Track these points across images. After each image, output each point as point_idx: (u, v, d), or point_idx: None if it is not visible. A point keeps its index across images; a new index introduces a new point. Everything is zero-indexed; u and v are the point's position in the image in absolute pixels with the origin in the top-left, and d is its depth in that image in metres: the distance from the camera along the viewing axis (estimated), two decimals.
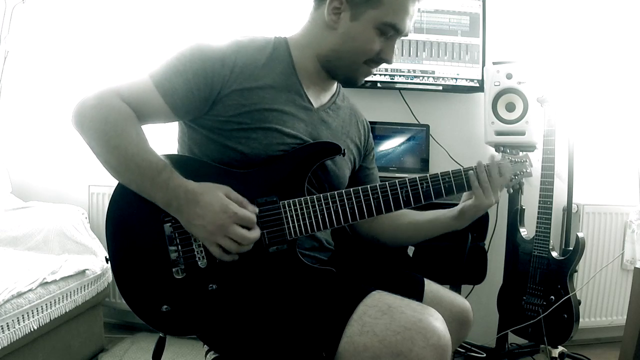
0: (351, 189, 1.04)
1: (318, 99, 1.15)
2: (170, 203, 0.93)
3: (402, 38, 1.12)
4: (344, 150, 1.09)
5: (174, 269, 0.97)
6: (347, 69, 1.10)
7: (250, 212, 0.95)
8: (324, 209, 1.02)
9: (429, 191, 1.07)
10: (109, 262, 0.99)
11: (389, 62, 1.09)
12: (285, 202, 1.01)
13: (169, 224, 0.97)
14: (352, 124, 1.25)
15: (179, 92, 0.97)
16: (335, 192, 1.04)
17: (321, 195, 1.03)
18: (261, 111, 1.02)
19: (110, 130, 0.93)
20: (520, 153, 1.18)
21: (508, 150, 1.17)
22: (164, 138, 1.23)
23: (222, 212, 0.91)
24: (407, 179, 1.07)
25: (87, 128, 0.95)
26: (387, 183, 1.06)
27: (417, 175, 1.07)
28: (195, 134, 1.06)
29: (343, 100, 1.25)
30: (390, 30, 1.04)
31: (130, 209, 0.99)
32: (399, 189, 1.06)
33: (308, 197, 1.02)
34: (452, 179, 1.09)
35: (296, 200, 1.02)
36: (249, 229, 0.94)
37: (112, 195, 1.00)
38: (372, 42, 1.05)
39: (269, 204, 1.00)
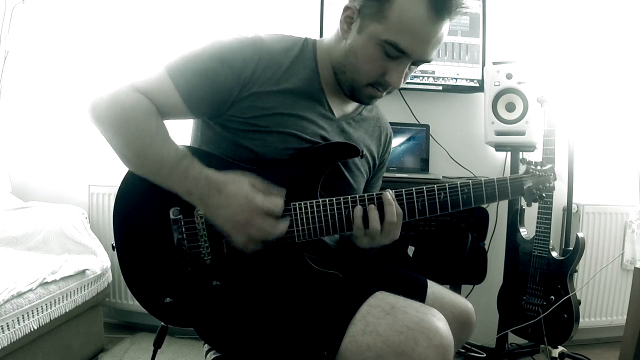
0: (365, 195, 1.01)
1: (341, 109, 1.11)
2: (191, 192, 0.91)
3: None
4: (362, 151, 1.05)
5: (179, 263, 0.97)
6: (350, 86, 1.02)
7: (276, 201, 0.92)
8: (335, 213, 1.00)
9: (446, 201, 1.02)
10: (114, 250, 0.99)
11: (393, 86, 0.99)
12: (297, 204, 0.99)
13: (177, 217, 0.97)
14: (374, 136, 1.19)
15: (197, 91, 0.95)
16: (349, 197, 1.00)
17: (333, 199, 1.00)
18: (279, 115, 0.99)
19: (126, 121, 0.92)
20: (546, 166, 1.11)
21: (533, 163, 1.10)
22: (177, 131, 1.21)
23: (247, 206, 0.89)
24: (424, 188, 1.02)
25: (104, 121, 0.93)
26: (403, 191, 1.01)
27: (435, 185, 1.02)
28: (209, 131, 1.04)
29: (371, 111, 1.19)
30: (394, 51, 0.93)
31: (138, 201, 0.99)
32: (415, 198, 1.01)
33: (320, 200, 1.00)
34: (471, 189, 1.02)
35: (307, 202, 0.99)
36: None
37: (120, 186, 1.00)
38: (372, 61, 0.96)
39: None
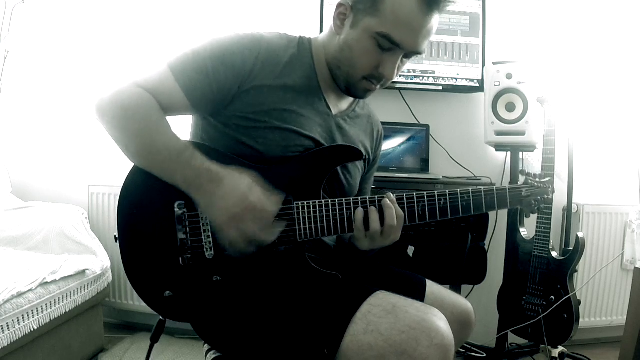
0: (367, 197, 1.02)
1: (337, 106, 1.13)
2: (191, 182, 0.92)
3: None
4: (365, 155, 1.07)
5: (180, 257, 0.97)
6: (345, 80, 1.05)
7: (273, 202, 0.93)
8: (337, 214, 1.01)
9: (446, 207, 1.04)
10: (117, 241, 1.00)
11: (387, 78, 1.03)
12: (299, 203, 1.00)
13: (181, 212, 0.97)
14: (367, 132, 1.22)
15: (199, 87, 0.96)
16: (351, 199, 1.02)
17: (336, 200, 1.01)
18: (279, 111, 1.01)
19: (131, 116, 0.93)
20: (545, 179, 1.13)
21: (532, 175, 1.12)
22: (176, 129, 1.21)
23: (241, 201, 0.90)
24: (425, 193, 1.03)
25: (108, 119, 0.94)
26: (404, 195, 1.03)
27: (435, 191, 1.04)
28: (210, 127, 1.05)
29: (363, 108, 1.22)
30: (387, 43, 0.97)
31: (142, 194, 0.99)
32: (415, 202, 1.03)
33: (323, 201, 1.01)
34: (471, 197, 1.04)
35: (310, 202, 1.00)
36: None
37: (125, 180, 1.00)
38: (367, 54, 0.99)
39: (283, 202, 0.99)
